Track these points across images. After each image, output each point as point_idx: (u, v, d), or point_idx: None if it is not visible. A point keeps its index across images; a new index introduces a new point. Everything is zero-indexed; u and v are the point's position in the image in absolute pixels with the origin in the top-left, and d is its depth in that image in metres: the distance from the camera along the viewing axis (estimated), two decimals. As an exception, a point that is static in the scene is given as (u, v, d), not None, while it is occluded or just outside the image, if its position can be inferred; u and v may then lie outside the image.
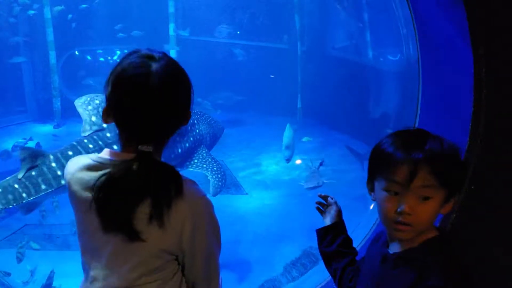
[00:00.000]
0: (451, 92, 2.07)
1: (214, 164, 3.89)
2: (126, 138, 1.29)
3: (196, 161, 3.89)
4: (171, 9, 7.60)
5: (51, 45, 7.04)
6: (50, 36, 7.03)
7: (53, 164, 3.08)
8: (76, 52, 7.69)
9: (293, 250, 3.86)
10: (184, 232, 1.28)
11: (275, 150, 5.75)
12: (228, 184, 4.88)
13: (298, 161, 5.44)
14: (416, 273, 1.35)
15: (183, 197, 1.25)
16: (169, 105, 1.26)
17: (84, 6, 7.23)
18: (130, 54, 1.26)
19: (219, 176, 3.79)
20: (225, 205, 4.60)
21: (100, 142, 3.18)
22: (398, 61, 4.29)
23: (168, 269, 1.33)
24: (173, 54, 7.52)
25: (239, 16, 7.66)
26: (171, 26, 7.60)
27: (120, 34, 7.25)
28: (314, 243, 1.75)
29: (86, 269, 1.38)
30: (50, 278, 3.46)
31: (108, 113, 1.28)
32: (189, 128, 3.90)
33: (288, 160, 4.74)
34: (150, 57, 1.24)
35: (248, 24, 7.60)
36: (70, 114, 5.99)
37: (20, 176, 2.99)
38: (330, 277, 1.78)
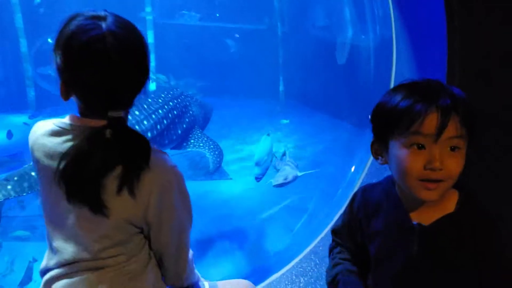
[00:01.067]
0: (425, 63, 2.10)
1: (210, 142, 4.18)
2: (91, 106, 1.18)
3: (192, 141, 4.16)
4: (148, -7, 7.43)
5: (20, 32, 6.77)
6: (19, 22, 6.76)
7: None
8: (49, 40, 7.43)
9: (279, 233, 3.81)
10: (150, 204, 1.21)
11: (258, 135, 5.68)
12: (211, 170, 4.94)
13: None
14: (472, 236, 1.25)
15: (151, 167, 1.19)
16: (133, 62, 1.18)
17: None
18: (71, 19, 1.15)
19: (216, 152, 4.11)
20: (209, 191, 4.53)
21: None
22: (378, 37, 4.21)
23: (134, 242, 1.27)
24: (150, 38, 7.36)
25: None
26: (148, 10, 7.41)
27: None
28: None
29: (49, 240, 1.30)
30: (29, 269, 3.38)
31: (67, 89, 1.17)
32: (183, 110, 4.13)
33: (258, 179, 3.94)
34: (97, 17, 1.15)
35: (227, 6, 7.43)
36: (45, 104, 5.81)
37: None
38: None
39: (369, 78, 4.34)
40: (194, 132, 4.30)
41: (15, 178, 3.15)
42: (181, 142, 4.15)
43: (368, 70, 4.43)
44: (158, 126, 3.82)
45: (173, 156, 4.78)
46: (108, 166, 1.16)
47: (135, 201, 1.19)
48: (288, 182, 3.77)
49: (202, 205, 4.14)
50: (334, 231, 1.62)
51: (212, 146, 4.19)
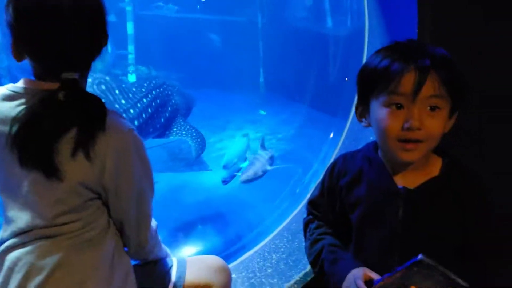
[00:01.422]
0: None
1: (193, 130, 4.24)
2: (44, 68, 1.18)
3: (175, 129, 4.22)
4: (127, -16, 7.32)
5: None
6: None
7: None
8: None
9: (257, 215, 3.78)
10: (106, 167, 1.19)
11: (237, 127, 5.70)
12: (190, 160, 4.89)
13: None
14: (458, 200, 1.25)
15: (107, 129, 1.18)
16: (87, 20, 1.17)
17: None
18: None
19: (198, 140, 4.20)
20: (188, 181, 4.55)
21: None
22: (357, 27, 4.25)
23: (91, 209, 1.25)
24: (130, 29, 7.27)
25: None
26: (128, 1, 7.31)
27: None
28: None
29: (4, 211, 1.28)
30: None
31: (19, 48, 1.16)
32: (166, 99, 4.23)
33: (225, 182, 3.78)
34: None
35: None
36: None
37: None
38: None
39: (343, 67, 4.38)
40: (177, 121, 4.34)
41: None
42: (164, 131, 4.20)
43: (343, 59, 4.47)
44: (144, 115, 3.83)
45: (153, 148, 4.83)
46: (61, 128, 1.14)
47: (91, 165, 1.18)
48: (257, 177, 3.65)
49: (181, 194, 4.14)
50: (311, 202, 1.58)
51: (194, 134, 4.25)
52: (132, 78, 6.54)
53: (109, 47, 7.27)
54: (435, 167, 1.31)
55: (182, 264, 1.58)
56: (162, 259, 1.59)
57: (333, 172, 1.47)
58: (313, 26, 5.87)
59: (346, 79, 4.08)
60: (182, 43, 7.04)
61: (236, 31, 7.00)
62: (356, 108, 1.38)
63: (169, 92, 4.45)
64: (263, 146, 4.07)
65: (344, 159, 1.46)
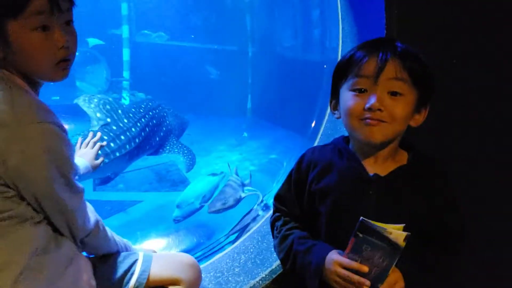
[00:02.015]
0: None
1: (184, 148, 4.49)
2: None
3: (168, 147, 4.45)
4: (124, 11, 7.60)
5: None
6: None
7: None
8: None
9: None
10: (7, 162, 1.15)
11: (224, 150, 5.84)
12: (176, 181, 5.18)
13: None
14: (426, 186, 1.30)
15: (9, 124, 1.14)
16: None
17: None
18: None
19: (189, 156, 4.42)
20: (173, 200, 4.63)
21: (111, 134, 3.61)
22: (328, 52, 4.41)
23: (12, 206, 1.22)
24: (126, 56, 7.48)
25: (192, 19, 7.68)
26: (125, 28, 7.56)
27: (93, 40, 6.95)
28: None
29: None
30: None
31: None
32: (161, 120, 4.48)
33: (177, 221, 3.64)
34: None
35: (201, 27, 7.63)
36: None
37: None
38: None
39: (321, 91, 4.53)
40: (170, 140, 4.57)
41: None
42: (158, 149, 4.41)
43: (321, 84, 4.63)
44: (142, 133, 4.05)
45: (142, 170, 4.93)
46: None
47: None
48: (228, 208, 3.39)
49: (167, 212, 4.21)
50: (278, 197, 1.57)
51: (186, 151, 4.47)
52: (127, 102, 6.72)
53: (105, 73, 7.48)
54: (403, 158, 1.37)
55: (147, 259, 1.60)
56: (126, 254, 1.62)
57: (301, 164, 1.48)
58: (300, 54, 6.07)
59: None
60: (173, 69, 7.26)
61: (227, 59, 7.22)
62: (330, 102, 1.41)
63: (164, 113, 4.68)
64: (236, 174, 4.00)
65: (313, 151, 1.48)
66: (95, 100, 3.86)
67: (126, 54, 7.54)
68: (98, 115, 3.73)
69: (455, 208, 1.38)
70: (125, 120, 3.92)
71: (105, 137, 3.54)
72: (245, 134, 5.93)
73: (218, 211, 3.41)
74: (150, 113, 4.39)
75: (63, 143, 1.24)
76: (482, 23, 1.98)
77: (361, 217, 1.18)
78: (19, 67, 1.23)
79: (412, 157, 1.36)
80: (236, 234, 3.03)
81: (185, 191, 3.92)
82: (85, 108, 3.72)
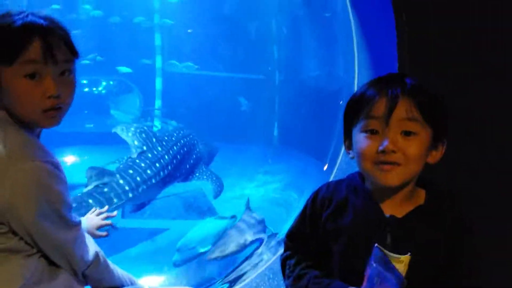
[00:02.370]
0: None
1: (213, 175, 4.69)
2: None
3: (197, 174, 4.67)
4: (158, 42, 7.86)
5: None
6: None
7: (121, 181, 3.63)
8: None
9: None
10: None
11: (252, 176, 5.89)
12: (203, 209, 5.21)
13: None
14: (443, 227, 1.27)
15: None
16: None
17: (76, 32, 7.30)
18: None
19: (218, 183, 4.60)
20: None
21: (147, 161, 3.88)
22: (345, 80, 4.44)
23: (3, 240, 1.26)
24: (158, 85, 7.74)
25: (221, 50, 7.88)
26: (158, 59, 7.83)
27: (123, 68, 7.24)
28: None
29: None
30: None
31: None
32: (192, 147, 4.75)
33: (176, 265, 3.49)
34: None
35: (230, 57, 7.82)
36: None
37: (84, 191, 3.47)
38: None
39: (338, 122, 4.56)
40: (200, 167, 4.76)
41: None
42: (188, 175, 4.61)
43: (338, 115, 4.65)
44: (174, 161, 4.28)
45: (170, 197, 5.04)
46: None
47: None
48: (228, 255, 3.16)
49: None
50: (290, 234, 1.52)
51: (214, 178, 4.64)
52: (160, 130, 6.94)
53: (138, 101, 7.74)
54: (420, 197, 1.33)
55: None
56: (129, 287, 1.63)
57: (316, 200, 1.44)
58: (323, 83, 6.13)
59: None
60: (202, 98, 7.45)
61: (254, 88, 7.37)
62: (344, 141, 1.38)
63: (195, 141, 4.92)
64: (248, 208, 3.88)
65: (328, 187, 1.44)
66: (132, 129, 4.20)
67: (158, 83, 7.81)
68: (136, 143, 4.04)
69: (472, 253, 1.34)
70: (159, 148, 4.16)
71: (142, 165, 3.86)
72: (270, 161, 5.98)
73: (216, 259, 3.21)
74: (182, 141, 4.60)
75: (55, 180, 1.27)
76: (490, 56, 2.00)
77: (376, 244, 1.17)
78: (12, 110, 1.28)
79: (429, 196, 1.33)
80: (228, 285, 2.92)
81: (188, 234, 3.74)
82: (123, 137, 4.10)
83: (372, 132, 1.23)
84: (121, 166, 3.90)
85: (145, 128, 4.39)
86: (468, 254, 1.33)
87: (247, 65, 7.59)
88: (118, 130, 4.23)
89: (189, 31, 7.81)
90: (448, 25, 1.95)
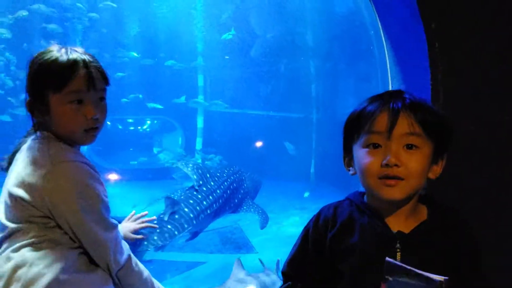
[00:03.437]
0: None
1: (259, 208, 4.99)
2: None
3: (245, 207, 5.00)
4: (200, 83, 8.27)
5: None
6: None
7: (186, 209, 4.15)
8: (108, 123, 8.26)
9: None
10: (45, 195, 1.36)
11: (290, 213, 5.93)
12: (240, 244, 5.40)
13: None
14: (448, 240, 1.26)
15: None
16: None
17: (120, 74, 7.61)
18: None
19: (263, 215, 4.88)
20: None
21: (203, 194, 4.36)
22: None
23: (48, 232, 1.40)
24: (200, 123, 8.03)
25: (262, 89, 8.10)
26: (200, 98, 8.19)
27: (152, 104, 7.70)
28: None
29: None
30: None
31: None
32: (240, 183, 5.15)
33: None
34: None
35: (270, 96, 8.01)
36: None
37: (166, 218, 3.96)
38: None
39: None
40: (246, 201, 5.09)
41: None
42: (236, 208, 4.97)
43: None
44: (225, 195, 4.64)
45: (208, 232, 5.17)
46: None
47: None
48: None
49: (228, 273, 4.35)
50: (290, 262, 1.46)
51: (260, 211, 4.96)
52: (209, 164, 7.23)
53: (180, 139, 7.97)
54: (423, 212, 1.32)
55: None
56: None
57: (318, 223, 1.40)
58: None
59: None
60: (243, 135, 7.69)
61: (292, 125, 7.52)
62: (344, 159, 1.36)
63: (243, 178, 5.27)
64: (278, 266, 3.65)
65: (329, 209, 1.41)
66: (190, 164, 4.73)
67: (200, 121, 8.12)
68: (195, 177, 4.53)
69: (477, 259, 1.33)
70: (212, 183, 4.59)
71: (199, 196, 4.31)
72: (306, 194, 6.00)
73: None
74: (232, 177, 5.00)
75: (92, 179, 1.41)
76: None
77: (386, 258, 1.14)
78: (56, 130, 1.45)
79: (432, 211, 1.31)
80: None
81: None
82: (185, 170, 4.61)
83: (374, 146, 1.22)
84: (183, 196, 4.36)
85: (201, 164, 5.05)
86: (477, 265, 1.32)
87: (286, 103, 7.79)
88: (179, 164, 4.79)
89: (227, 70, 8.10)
90: (480, 34, 1.92)
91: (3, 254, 1.39)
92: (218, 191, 4.54)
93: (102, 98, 1.49)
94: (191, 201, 4.26)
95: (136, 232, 1.87)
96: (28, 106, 1.45)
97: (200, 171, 4.57)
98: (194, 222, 4.16)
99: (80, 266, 1.45)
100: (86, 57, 1.44)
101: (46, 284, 1.35)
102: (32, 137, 1.47)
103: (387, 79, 2.67)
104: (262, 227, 4.80)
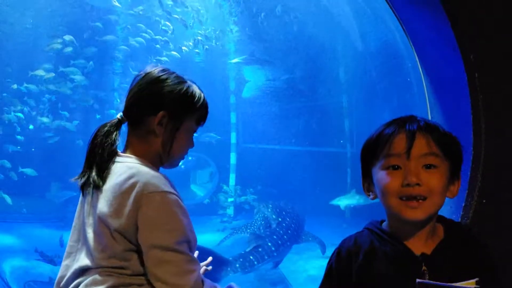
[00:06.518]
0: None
1: (315, 236, 5.87)
2: None
3: (303, 237, 5.83)
4: (233, 120, 8.44)
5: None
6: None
7: (269, 244, 5.06)
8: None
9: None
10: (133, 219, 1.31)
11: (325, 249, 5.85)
12: (275, 281, 5.48)
13: None
14: (467, 255, 1.28)
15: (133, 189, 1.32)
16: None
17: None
18: None
19: (321, 242, 5.76)
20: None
21: (283, 229, 5.39)
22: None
23: (127, 256, 1.35)
24: (233, 159, 8.11)
25: (294, 125, 8.15)
26: (233, 135, 8.31)
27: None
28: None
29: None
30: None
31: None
32: (297, 217, 5.96)
33: None
34: None
35: (302, 131, 8.05)
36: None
37: (248, 250, 4.89)
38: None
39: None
40: (303, 232, 5.88)
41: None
42: (297, 239, 5.67)
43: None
44: (289, 230, 5.52)
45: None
46: None
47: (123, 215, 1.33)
48: None
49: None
50: None
51: (317, 239, 5.74)
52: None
53: (215, 176, 8.00)
54: (439, 231, 1.34)
55: None
56: None
57: (340, 255, 1.40)
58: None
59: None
60: (279, 171, 7.67)
61: (327, 160, 7.48)
62: (363, 184, 1.37)
63: (298, 212, 6.08)
64: None
65: (349, 240, 1.41)
66: (270, 206, 5.87)
67: (233, 158, 8.21)
68: (274, 216, 5.54)
69: (497, 275, 1.33)
70: (288, 219, 5.59)
71: (281, 231, 5.30)
72: (342, 232, 5.94)
73: None
74: (292, 213, 5.91)
75: (180, 210, 1.36)
76: None
77: (417, 279, 1.16)
78: (162, 149, 1.45)
79: (447, 229, 1.33)
80: None
81: None
82: (266, 212, 5.69)
83: (394, 168, 1.23)
84: (268, 232, 5.34)
85: (277, 204, 5.98)
86: (497, 278, 1.33)
87: (320, 138, 7.80)
88: (261, 207, 5.94)
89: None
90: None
91: None
92: (292, 226, 5.45)
93: None
94: (275, 237, 5.15)
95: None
96: (158, 119, 1.40)
97: (278, 210, 5.63)
98: (275, 254, 5.01)
99: None
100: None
101: None
102: (124, 158, 1.43)
103: (425, 110, 2.65)
104: (323, 252, 5.60)
